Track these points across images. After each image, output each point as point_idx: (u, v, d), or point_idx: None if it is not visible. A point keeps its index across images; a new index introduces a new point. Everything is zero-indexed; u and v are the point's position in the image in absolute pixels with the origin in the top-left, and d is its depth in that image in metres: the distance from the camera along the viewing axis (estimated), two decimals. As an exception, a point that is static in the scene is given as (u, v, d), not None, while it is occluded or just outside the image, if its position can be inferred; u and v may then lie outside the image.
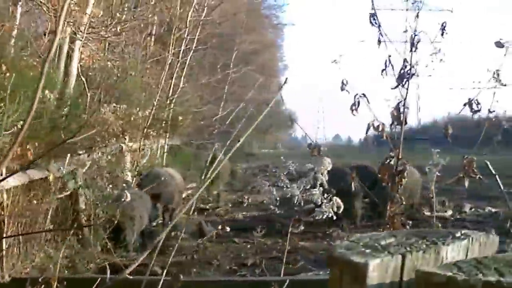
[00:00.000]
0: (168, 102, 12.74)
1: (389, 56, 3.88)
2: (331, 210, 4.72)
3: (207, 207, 11.96)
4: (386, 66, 3.90)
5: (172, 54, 12.44)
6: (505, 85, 3.61)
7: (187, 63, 13.45)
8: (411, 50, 3.85)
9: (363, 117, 4.01)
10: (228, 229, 8.75)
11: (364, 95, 3.92)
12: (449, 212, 10.53)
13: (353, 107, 3.94)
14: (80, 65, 10.90)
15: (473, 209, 11.12)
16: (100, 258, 7.03)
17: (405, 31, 3.85)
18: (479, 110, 3.81)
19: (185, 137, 15.30)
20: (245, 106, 34.51)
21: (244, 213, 11.35)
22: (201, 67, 16.55)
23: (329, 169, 4.53)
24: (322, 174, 4.64)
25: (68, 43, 9.81)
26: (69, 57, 10.18)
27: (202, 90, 17.08)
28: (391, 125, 4.00)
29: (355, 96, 3.95)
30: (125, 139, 9.93)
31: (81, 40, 9.82)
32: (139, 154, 10.95)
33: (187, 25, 12.89)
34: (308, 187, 5.15)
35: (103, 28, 10.67)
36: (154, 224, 9.72)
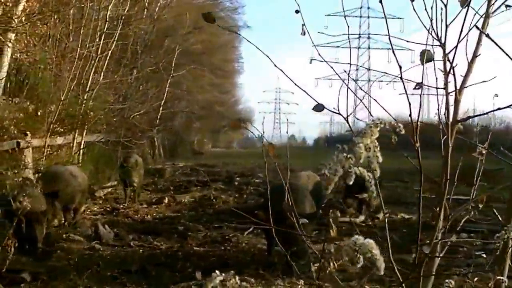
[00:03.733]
0: (82, 97, 12.19)
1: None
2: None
3: (121, 207, 11.52)
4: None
5: (90, 48, 11.92)
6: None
7: (107, 58, 12.96)
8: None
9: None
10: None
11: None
12: (361, 218, 10.37)
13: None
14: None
15: (387, 215, 10.98)
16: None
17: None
18: None
19: (109, 134, 14.76)
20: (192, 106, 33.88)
21: (154, 214, 10.94)
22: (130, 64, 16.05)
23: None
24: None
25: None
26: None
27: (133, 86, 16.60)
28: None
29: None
30: (26, 135, 9.45)
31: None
32: (44, 151, 10.44)
33: (107, 19, 12.43)
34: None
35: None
36: (56, 225, 9.29)
